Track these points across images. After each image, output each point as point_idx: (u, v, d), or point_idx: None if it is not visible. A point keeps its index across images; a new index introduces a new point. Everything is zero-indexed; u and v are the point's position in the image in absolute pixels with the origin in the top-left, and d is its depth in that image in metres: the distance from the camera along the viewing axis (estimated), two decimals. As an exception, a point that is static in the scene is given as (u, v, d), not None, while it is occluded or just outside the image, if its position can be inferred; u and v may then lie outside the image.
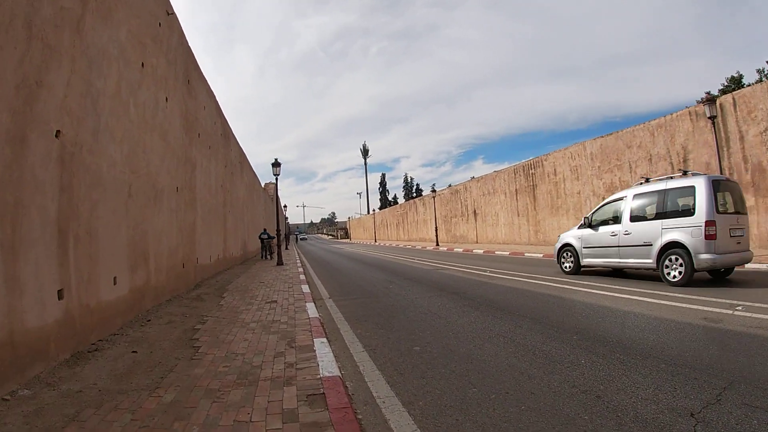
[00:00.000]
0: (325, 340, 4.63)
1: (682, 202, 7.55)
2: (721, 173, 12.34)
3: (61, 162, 4.20)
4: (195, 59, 10.91)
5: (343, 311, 6.67)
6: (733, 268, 8.01)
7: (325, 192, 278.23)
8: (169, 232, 8.04)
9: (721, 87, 29.95)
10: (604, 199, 14.27)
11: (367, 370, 3.77)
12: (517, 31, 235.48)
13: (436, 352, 4.21)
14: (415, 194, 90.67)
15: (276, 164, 15.61)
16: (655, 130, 16.64)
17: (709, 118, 12.95)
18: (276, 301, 7.30)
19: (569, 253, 9.87)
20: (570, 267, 9.75)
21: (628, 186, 12.52)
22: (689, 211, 7.30)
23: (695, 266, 7.04)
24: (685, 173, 8.05)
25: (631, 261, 8.27)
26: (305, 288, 8.95)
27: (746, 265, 8.45)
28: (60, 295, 4.07)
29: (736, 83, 29.26)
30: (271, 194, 46.12)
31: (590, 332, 4.66)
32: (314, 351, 4.14)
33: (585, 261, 9.44)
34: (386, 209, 58.94)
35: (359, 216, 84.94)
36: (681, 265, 7.22)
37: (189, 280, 9.32)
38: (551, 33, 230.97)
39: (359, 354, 4.29)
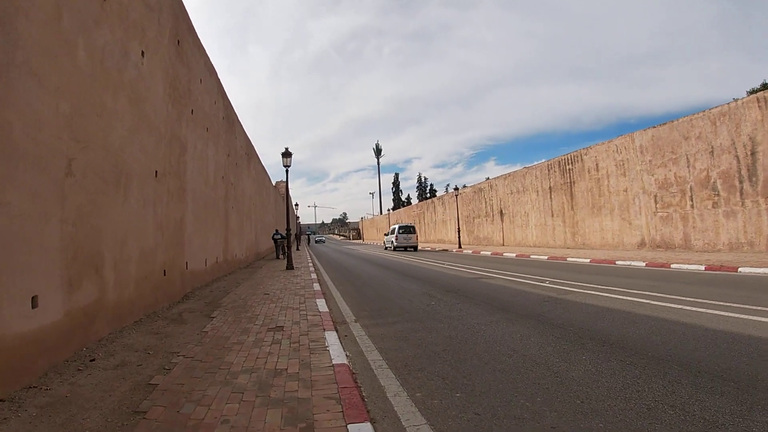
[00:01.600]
0: (368, 427, 2.50)
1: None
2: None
3: None
4: (190, 20, 8.92)
5: (381, 348, 4.52)
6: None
7: (337, 192, 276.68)
8: (142, 231, 5.99)
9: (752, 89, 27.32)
10: (656, 197, 16.35)
11: None
12: (533, 32, 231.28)
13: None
14: (429, 194, 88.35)
15: (286, 154, 13.57)
16: (717, 119, 14.28)
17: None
18: (282, 328, 5.18)
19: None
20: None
21: (684, 182, 14.92)
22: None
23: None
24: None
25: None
26: (321, 304, 6.83)
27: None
28: None
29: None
30: (282, 193, 44.21)
31: None
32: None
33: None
34: (401, 209, 56.67)
35: (372, 216, 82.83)
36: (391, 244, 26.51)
37: (173, 292, 7.28)
38: (567, 33, 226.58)
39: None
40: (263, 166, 23.96)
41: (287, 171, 13.82)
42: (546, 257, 16.73)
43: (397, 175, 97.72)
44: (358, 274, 12.34)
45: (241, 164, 15.17)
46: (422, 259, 19.04)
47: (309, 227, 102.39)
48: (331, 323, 5.42)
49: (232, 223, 13.08)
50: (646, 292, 7.20)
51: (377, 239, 66.28)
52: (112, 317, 5.00)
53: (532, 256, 17.71)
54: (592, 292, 7.49)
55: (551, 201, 22.90)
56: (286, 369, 3.66)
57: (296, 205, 39.28)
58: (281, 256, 20.56)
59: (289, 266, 13.47)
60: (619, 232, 18.82)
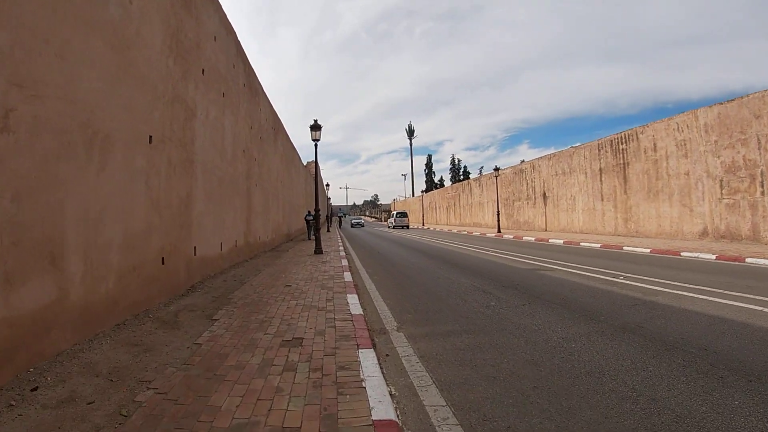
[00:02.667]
0: None
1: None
2: None
3: None
4: (198, -37, 7.53)
5: (441, 381, 3.09)
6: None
7: (368, 174, 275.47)
8: (129, 209, 4.75)
9: None
10: (722, 182, 14.47)
11: None
12: (567, 11, 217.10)
13: None
14: (462, 177, 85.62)
15: (315, 126, 12.18)
16: (794, 96, 11.85)
17: None
18: (301, 342, 3.84)
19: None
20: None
21: (755, 165, 13.06)
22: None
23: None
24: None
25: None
26: (353, 302, 5.46)
27: None
28: None
29: None
30: (313, 173, 43.55)
31: None
32: None
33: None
34: (435, 191, 54.66)
35: (404, 198, 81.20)
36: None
37: (175, 283, 6.10)
38: (602, 12, 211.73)
39: None
40: (292, 144, 22.78)
41: (316, 146, 12.46)
42: (598, 245, 14.89)
43: (429, 156, 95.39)
44: (395, 261, 10.94)
45: (266, 139, 13.94)
46: (461, 243, 17.43)
47: (340, 209, 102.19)
48: (367, 334, 4.03)
49: (256, 203, 11.91)
50: (745, 294, 5.53)
51: (411, 222, 64.88)
52: (80, 323, 3.79)
53: (582, 244, 15.90)
54: (682, 293, 5.84)
55: (601, 184, 20.64)
56: (299, 428, 2.29)
57: (327, 185, 38.10)
58: (312, 237, 20.65)
59: (318, 250, 12.24)
60: (678, 220, 16.57)
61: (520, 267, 9.20)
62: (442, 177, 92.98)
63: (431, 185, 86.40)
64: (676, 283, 6.70)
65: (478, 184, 35.00)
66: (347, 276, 7.78)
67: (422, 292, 6.62)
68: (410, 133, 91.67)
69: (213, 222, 7.94)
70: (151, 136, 5.33)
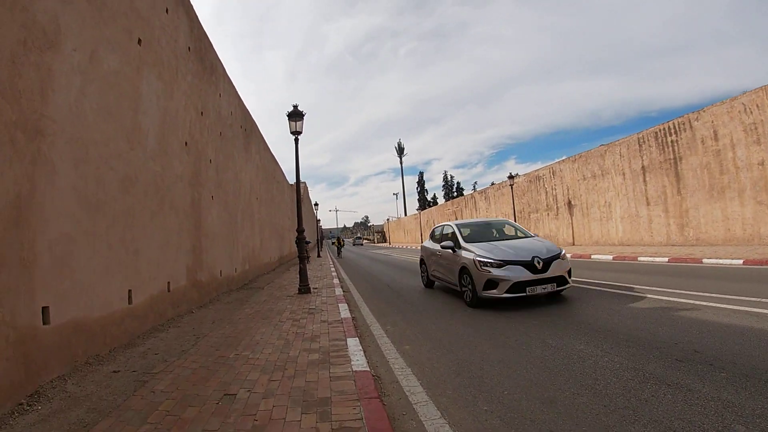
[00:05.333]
0: None
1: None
2: None
3: None
4: None
5: None
6: None
7: (357, 196, 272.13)
8: None
9: None
10: None
11: None
12: (548, 26, 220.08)
13: None
14: (455, 194, 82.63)
15: (295, 114, 8.71)
16: None
17: None
18: None
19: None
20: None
21: None
22: None
23: None
24: None
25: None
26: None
27: None
28: None
29: None
30: (302, 195, 39.94)
31: None
32: None
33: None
34: (432, 208, 51.20)
35: (397, 218, 77.77)
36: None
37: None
38: (582, 26, 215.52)
39: None
40: (273, 156, 19.26)
41: (297, 141, 8.93)
42: (666, 259, 11.64)
43: (421, 174, 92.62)
44: (421, 304, 7.24)
45: (232, 139, 10.41)
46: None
47: (331, 232, 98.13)
48: None
49: (212, 223, 8.26)
50: None
51: (405, 242, 60.96)
52: None
53: (641, 259, 12.56)
54: None
55: (645, 185, 17.45)
56: None
57: (316, 204, 34.33)
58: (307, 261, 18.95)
59: (304, 288, 8.52)
60: (752, 221, 13.43)
61: (642, 306, 5.63)
62: (435, 195, 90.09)
63: (424, 203, 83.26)
64: None
65: (483, 197, 31.68)
66: (352, 346, 4.14)
67: (526, 386, 3.03)
68: (400, 151, 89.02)
69: (105, 254, 4.29)
70: None
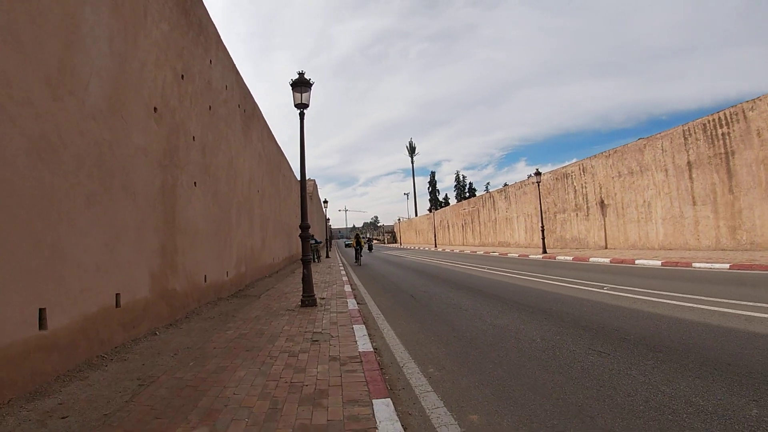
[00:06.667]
0: None
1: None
2: None
3: None
4: None
5: None
6: None
7: (367, 196, 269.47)
8: None
9: None
10: None
11: None
12: (559, 28, 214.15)
13: None
14: (468, 194, 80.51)
15: (300, 83, 7.06)
16: None
17: None
18: None
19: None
20: None
21: None
22: None
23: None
24: None
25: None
26: None
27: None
28: None
29: None
30: (310, 191, 38.33)
31: None
32: None
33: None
34: (446, 207, 49.17)
35: (408, 218, 75.89)
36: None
37: None
38: (591, 28, 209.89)
39: None
40: (279, 147, 17.65)
41: (302, 116, 7.26)
42: (726, 265, 10.07)
43: (433, 174, 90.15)
44: (465, 326, 5.46)
45: (226, 118, 8.78)
46: (516, 272, 11.90)
47: (340, 231, 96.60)
48: None
49: (191, 215, 6.59)
50: None
51: (417, 243, 58.97)
52: None
53: (695, 265, 10.78)
54: None
55: (691, 182, 15.48)
56: None
57: (325, 202, 32.63)
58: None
59: (308, 299, 6.81)
60: None
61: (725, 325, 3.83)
62: (446, 195, 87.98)
63: (436, 203, 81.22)
64: None
65: (503, 197, 29.75)
66: (383, 419, 2.44)
67: None
68: (411, 150, 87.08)
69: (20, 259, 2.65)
70: None
